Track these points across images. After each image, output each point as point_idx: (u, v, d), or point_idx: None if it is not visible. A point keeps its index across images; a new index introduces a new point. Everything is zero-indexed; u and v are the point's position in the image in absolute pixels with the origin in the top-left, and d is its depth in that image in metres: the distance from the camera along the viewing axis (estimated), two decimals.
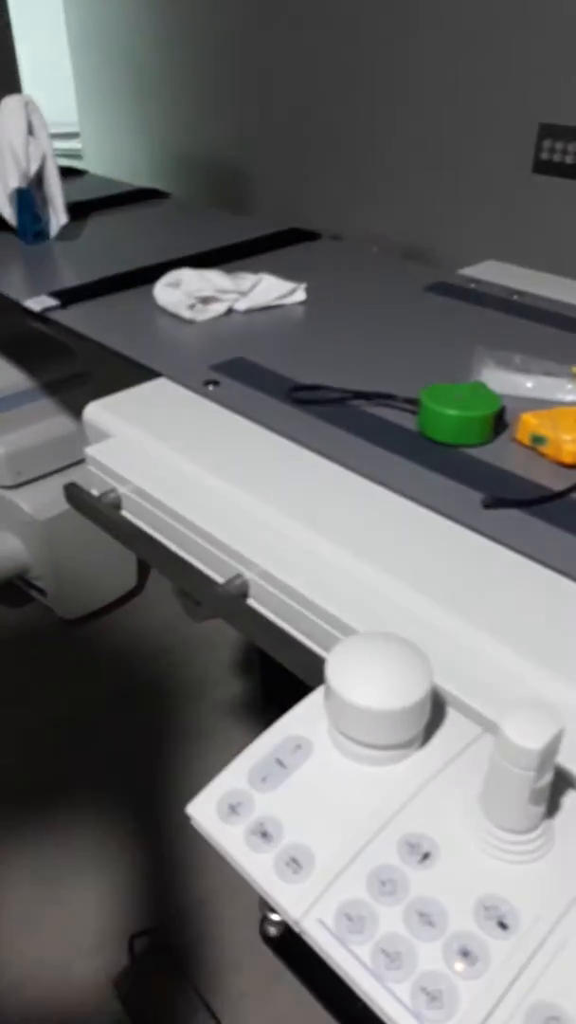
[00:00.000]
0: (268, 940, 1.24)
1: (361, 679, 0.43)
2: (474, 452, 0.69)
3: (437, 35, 2.32)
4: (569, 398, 0.74)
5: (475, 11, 2.21)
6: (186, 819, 0.44)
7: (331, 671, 0.44)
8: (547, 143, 2.27)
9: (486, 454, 0.69)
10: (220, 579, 0.64)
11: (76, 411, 0.80)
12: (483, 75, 2.26)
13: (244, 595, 0.64)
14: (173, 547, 0.70)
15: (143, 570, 1.78)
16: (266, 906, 0.44)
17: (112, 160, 3.34)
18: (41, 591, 1.64)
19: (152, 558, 0.71)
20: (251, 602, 0.64)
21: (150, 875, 1.29)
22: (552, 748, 0.37)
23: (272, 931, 1.24)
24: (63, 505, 0.77)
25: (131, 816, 1.36)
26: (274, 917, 0.42)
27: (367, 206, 2.73)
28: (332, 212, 2.80)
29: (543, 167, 2.32)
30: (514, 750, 0.37)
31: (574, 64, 2.08)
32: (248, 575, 0.63)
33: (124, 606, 1.75)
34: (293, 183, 2.90)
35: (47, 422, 1.50)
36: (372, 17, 2.45)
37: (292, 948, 1.25)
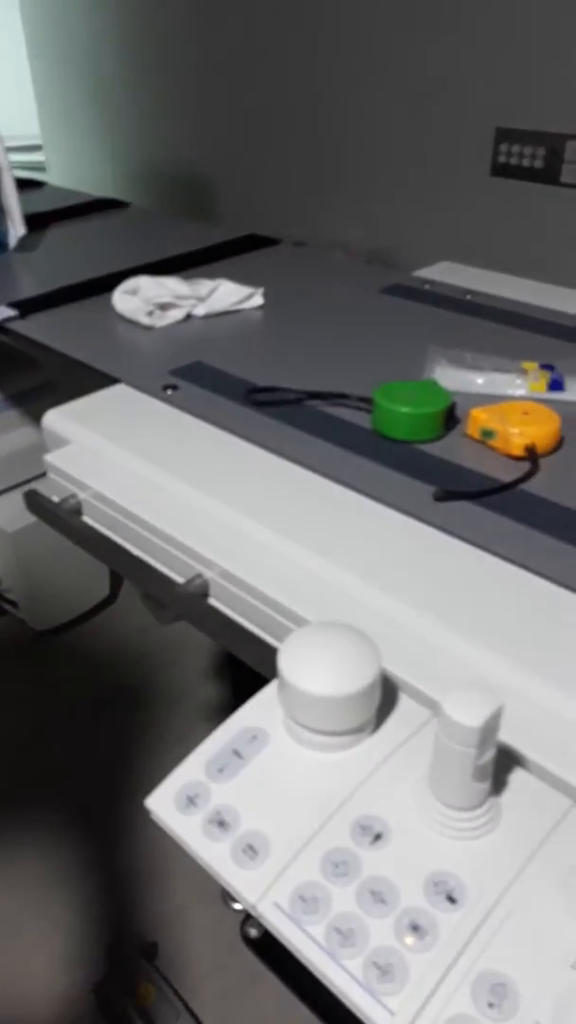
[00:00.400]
0: (248, 941, 1.24)
1: (312, 667, 0.44)
2: (426, 448, 0.71)
3: (395, 42, 2.35)
4: (518, 392, 0.76)
5: (431, 17, 2.24)
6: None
7: (283, 661, 0.45)
8: (504, 147, 2.31)
9: (438, 449, 0.71)
10: (180, 580, 0.65)
11: (41, 423, 0.81)
12: (441, 81, 2.29)
13: (204, 595, 0.65)
14: (134, 550, 0.71)
15: (115, 579, 1.78)
16: (228, 896, 0.45)
17: (76, 172, 3.34)
18: (12, 603, 1.63)
19: (114, 562, 0.72)
20: (212, 601, 0.65)
21: (129, 882, 1.29)
22: (492, 725, 0.38)
23: (253, 932, 1.25)
24: (31, 516, 0.78)
25: (109, 824, 1.37)
26: (236, 906, 0.43)
27: (331, 212, 2.75)
28: (297, 219, 2.82)
29: (501, 170, 2.36)
30: (455, 727, 0.38)
31: (529, 69, 2.12)
32: (208, 574, 0.64)
33: (97, 616, 1.75)
34: (258, 192, 2.92)
35: (12, 434, 1.50)
36: (331, 25, 2.48)
37: (273, 949, 1.26)
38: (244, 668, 0.62)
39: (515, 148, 2.29)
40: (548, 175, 2.28)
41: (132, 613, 1.76)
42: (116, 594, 1.78)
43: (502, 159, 2.33)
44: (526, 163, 2.31)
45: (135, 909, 1.25)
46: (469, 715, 0.38)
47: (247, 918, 1.23)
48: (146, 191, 3.14)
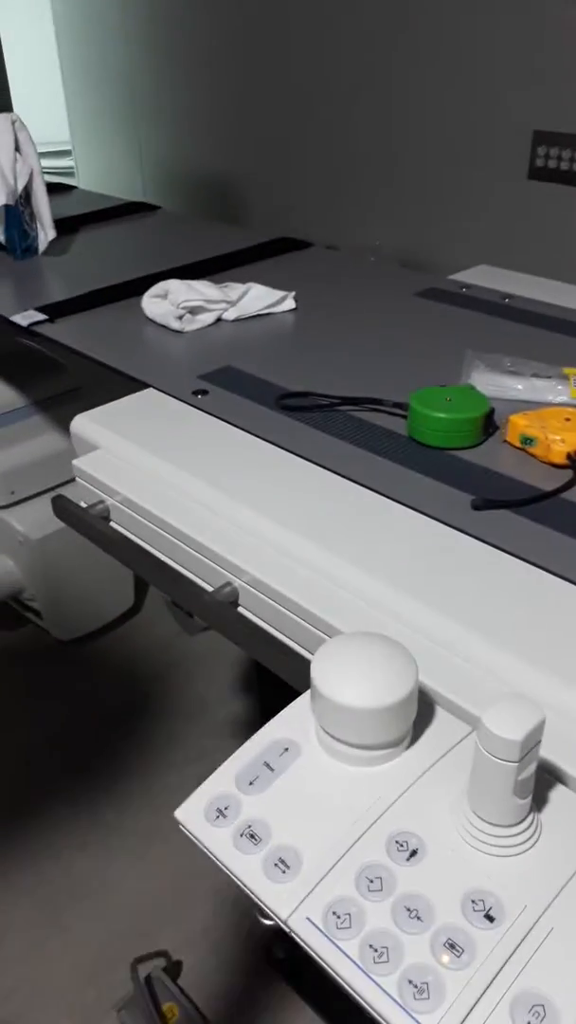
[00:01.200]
0: (273, 963, 1.22)
1: (346, 679, 0.43)
2: (464, 455, 0.69)
3: (430, 45, 2.33)
4: (559, 399, 0.74)
5: (467, 20, 2.23)
6: (189, 841, 0.43)
7: (316, 672, 0.44)
8: (542, 149, 2.28)
9: (476, 456, 0.69)
10: (210, 588, 0.64)
11: (69, 428, 0.80)
12: (477, 83, 2.28)
13: (234, 603, 0.64)
14: (162, 557, 0.69)
15: (140, 589, 1.77)
16: (259, 911, 0.43)
17: (105, 177, 3.36)
18: (36, 612, 1.63)
19: (142, 569, 0.71)
20: (241, 610, 0.64)
21: (153, 898, 1.27)
22: (533, 738, 0.36)
23: (279, 954, 1.22)
24: (57, 523, 0.77)
25: (132, 838, 1.35)
26: (267, 922, 0.41)
27: (365, 217, 2.74)
28: (329, 224, 2.81)
29: (538, 173, 2.32)
30: (495, 740, 0.36)
31: (567, 71, 2.09)
32: (237, 582, 0.63)
33: (122, 626, 1.74)
34: (290, 196, 2.92)
35: (39, 439, 1.50)
36: (364, 29, 2.47)
37: (299, 971, 1.24)
38: (272, 680, 0.60)
39: (553, 151, 2.27)
40: None
41: (157, 624, 1.74)
42: (141, 604, 1.77)
43: (540, 162, 2.31)
44: (564, 166, 2.28)
45: (159, 926, 1.24)
46: (510, 728, 0.36)
47: (273, 939, 1.21)
48: (175, 196, 3.15)
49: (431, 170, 2.50)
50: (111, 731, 1.53)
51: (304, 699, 0.48)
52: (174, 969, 1.18)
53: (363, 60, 2.53)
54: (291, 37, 2.62)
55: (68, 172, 3.34)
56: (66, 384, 1.53)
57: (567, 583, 0.55)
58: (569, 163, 2.29)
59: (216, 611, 0.62)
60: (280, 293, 1.01)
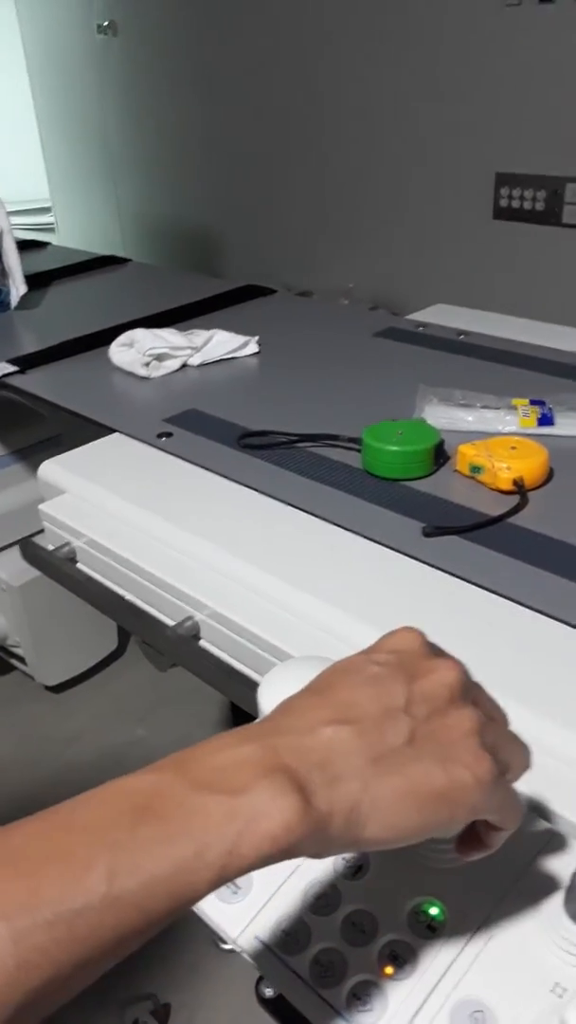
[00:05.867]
0: (263, 1002, 1.21)
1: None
2: (416, 485, 0.71)
3: (397, 91, 2.42)
4: (508, 429, 0.77)
5: (431, 68, 2.31)
6: None
7: (262, 696, 0.45)
8: (504, 190, 2.37)
9: (428, 486, 0.71)
10: (172, 623, 0.66)
11: None
12: (441, 129, 2.36)
13: (196, 637, 0.65)
14: (127, 595, 0.71)
15: (123, 630, 1.78)
16: (217, 937, 0.44)
17: (85, 232, 3.43)
18: (21, 659, 1.63)
19: (107, 608, 0.73)
20: (203, 643, 0.65)
21: None
22: None
23: (268, 992, 1.21)
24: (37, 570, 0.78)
25: None
26: (225, 946, 0.42)
27: (337, 261, 2.81)
28: (304, 269, 2.88)
29: (502, 213, 2.41)
30: None
31: (525, 115, 2.17)
32: (198, 616, 0.64)
33: (106, 668, 1.74)
34: (265, 244, 2.99)
35: (19, 487, 1.52)
36: (333, 79, 2.56)
37: (289, 1009, 1.23)
38: (244, 713, 0.61)
39: (515, 191, 2.35)
40: (549, 217, 2.33)
41: (141, 664, 1.75)
42: (125, 646, 1.78)
43: (503, 202, 2.39)
44: (527, 205, 2.36)
45: (146, 967, 1.22)
46: None
47: (261, 977, 1.20)
48: (155, 248, 3.22)
49: (400, 214, 2.57)
50: (98, 772, 1.52)
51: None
52: (162, 1012, 1.16)
53: (333, 109, 2.61)
54: (261, 88, 2.70)
55: (48, 228, 3.41)
56: (45, 432, 1.55)
57: (514, 604, 0.56)
58: (532, 202, 2.36)
59: (178, 645, 0.64)
60: (243, 338, 1.04)
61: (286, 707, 0.34)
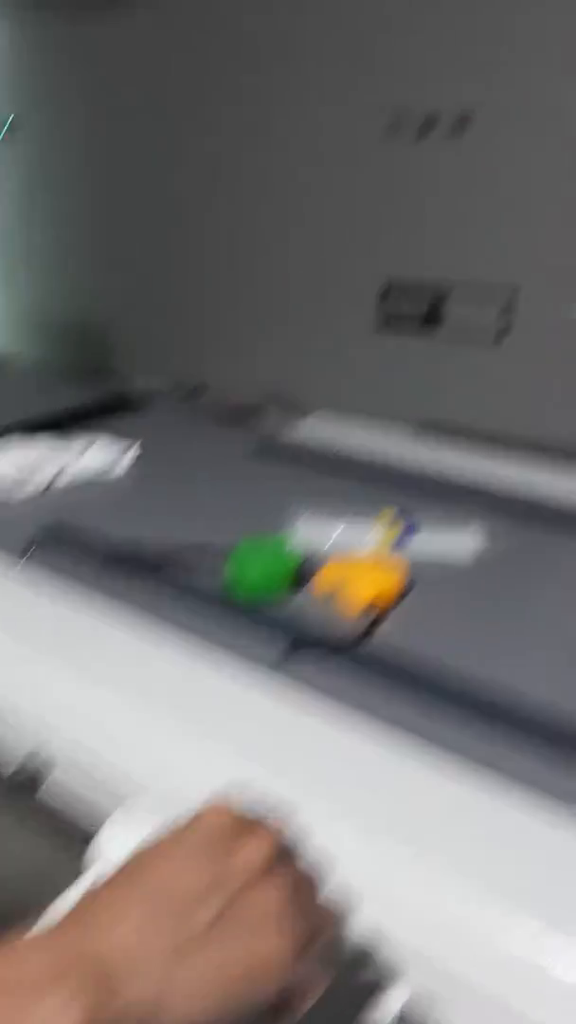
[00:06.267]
0: None
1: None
2: (277, 607, 0.71)
3: (284, 197, 2.54)
4: (371, 545, 0.78)
5: (317, 175, 2.44)
6: None
7: (100, 845, 0.43)
8: (389, 297, 2.49)
9: (289, 608, 0.71)
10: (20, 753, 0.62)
11: None
12: (327, 238, 2.47)
13: (39, 780, 0.62)
14: None
15: None
16: None
17: None
18: None
19: None
20: (54, 778, 0.62)
21: None
22: None
23: None
24: None
25: None
26: None
27: (226, 363, 2.86)
28: (197, 366, 2.92)
29: (387, 320, 2.52)
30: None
31: (411, 225, 2.30)
32: (45, 755, 0.61)
33: None
34: (155, 342, 3.03)
35: None
36: (221, 179, 2.66)
37: None
38: None
39: (400, 298, 2.47)
40: (432, 322, 2.45)
41: None
42: None
43: (388, 311, 2.51)
44: (410, 312, 2.48)
45: None
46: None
47: None
48: (41, 346, 3.22)
49: (286, 318, 2.66)
50: None
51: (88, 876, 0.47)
52: None
53: (222, 209, 2.71)
54: (151, 188, 2.80)
55: None
56: None
57: (368, 728, 0.56)
58: (415, 308, 2.48)
59: (16, 789, 0.60)
60: (120, 448, 1.04)
61: (93, 899, 0.34)
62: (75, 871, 0.45)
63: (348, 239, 2.44)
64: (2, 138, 2.65)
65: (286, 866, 0.35)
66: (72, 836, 0.58)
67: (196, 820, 0.37)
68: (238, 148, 2.56)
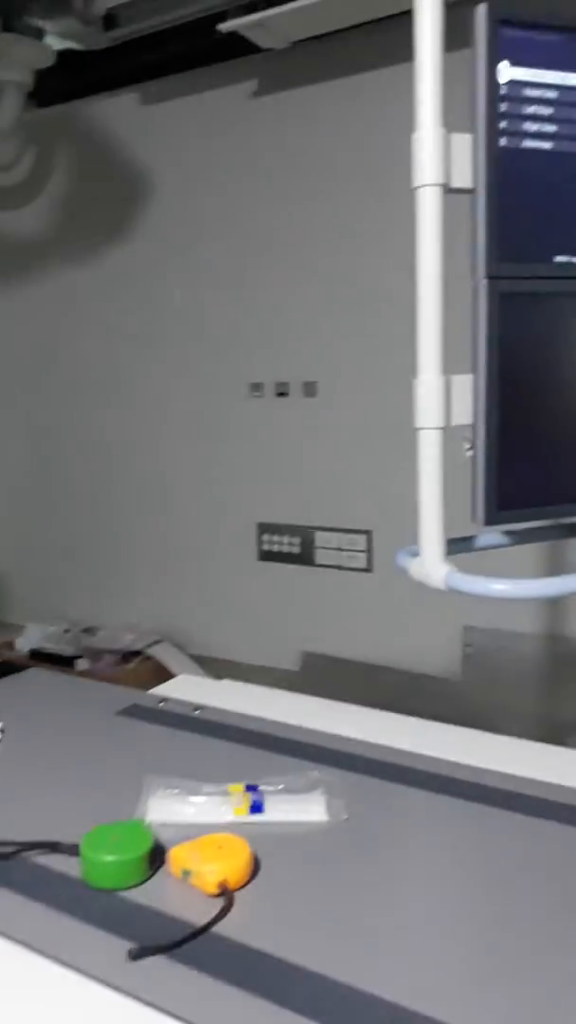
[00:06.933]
0: None
1: None
2: (132, 894, 0.72)
3: (167, 456, 2.74)
4: (224, 819, 0.81)
5: (203, 437, 2.66)
6: None
7: None
8: (266, 536, 2.66)
9: (144, 893, 0.72)
10: None
11: None
12: (210, 484, 2.68)
13: None
14: None
15: None
16: None
17: None
18: None
19: None
20: None
21: None
22: None
23: None
24: None
25: None
26: None
27: (123, 598, 2.94)
28: (91, 606, 2.99)
29: (265, 556, 2.69)
30: None
31: (282, 477, 2.51)
32: None
33: None
34: (49, 581, 3.08)
35: None
36: (108, 449, 2.85)
37: None
38: None
39: (275, 537, 2.65)
40: (305, 558, 2.62)
41: None
42: None
43: (265, 546, 2.68)
44: (285, 548, 2.66)
45: None
46: None
47: None
48: None
49: (179, 556, 2.81)
50: None
51: None
52: None
53: (112, 469, 2.89)
54: (48, 429, 2.96)
55: None
56: None
57: None
58: (290, 546, 2.65)
59: None
60: None
61: None
62: None
63: (225, 486, 2.64)
64: None
65: None
66: None
67: None
68: (131, 412, 2.77)
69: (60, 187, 2.76)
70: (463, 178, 0.86)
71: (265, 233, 2.39)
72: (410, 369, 0.92)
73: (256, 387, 2.52)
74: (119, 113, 2.60)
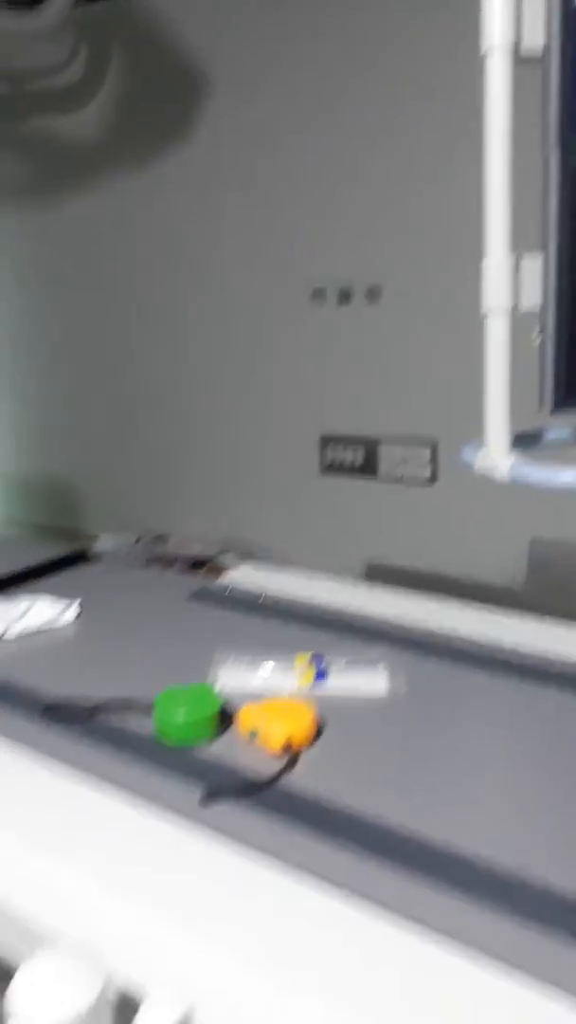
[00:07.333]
0: None
1: (34, 1000, 0.46)
2: (201, 749, 0.76)
3: (236, 362, 2.75)
4: (290, 687, 0.84)
5: (265, 342, 2.65)
6: None
7: (9, 997, 0.47)
8: (329, 449, 2.66)
9: (212, 749, 0.76)
10: None
11: None
12: (273, 396, 2.67)
13: None
14: None
15: None
16: None
17: None
18: None
19: None
20: None
21: None
22: None
23: None
24: None
25: None
26: None
27: (187, 510, 3.00)
28: (160, 517, 3.05)
29: (328, 469, 2.70)
30: None
31: (345, 388, 2.49)
32: None
33: None
34: (121, 494, 3.15)
35: None
36: (175, 360, 2.87)
37: None
38: None
39: (338, 449, 2.65)
40: (368, 470, 2.62)
41: None
42: None
43: (328, 459, 2.68)
44: (349, 462, 2.66)
45: None
46: None
47: None
48: (13, 497, 3.32)
49: (244, 469, 2.83)
50: None
51: None
52: None
53: (182, 374, 2.91)
54: (113, 351, 2.98)
55: None
56: None
57: (274, 865, 0.61)
58: (353, 458, 2.65)
59: None
60: (62, 605, 1.10)
61: None
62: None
63: (289, 397, 2.63)
64: None
65: None
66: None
67: None
68: (192, 326, 2.77)
69: (114, 88, 2.70)
70: (535, 39, 0.82)
71: (327, 129, 2.31)
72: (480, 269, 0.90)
73: (318, 293, 2.48)
74: (174, 6, 2.51)
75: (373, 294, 2.34)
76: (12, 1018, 0.47)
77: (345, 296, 2.38)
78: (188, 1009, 0.41)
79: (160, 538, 3.03)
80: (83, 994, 0.45)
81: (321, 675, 0.85)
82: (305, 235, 2.42)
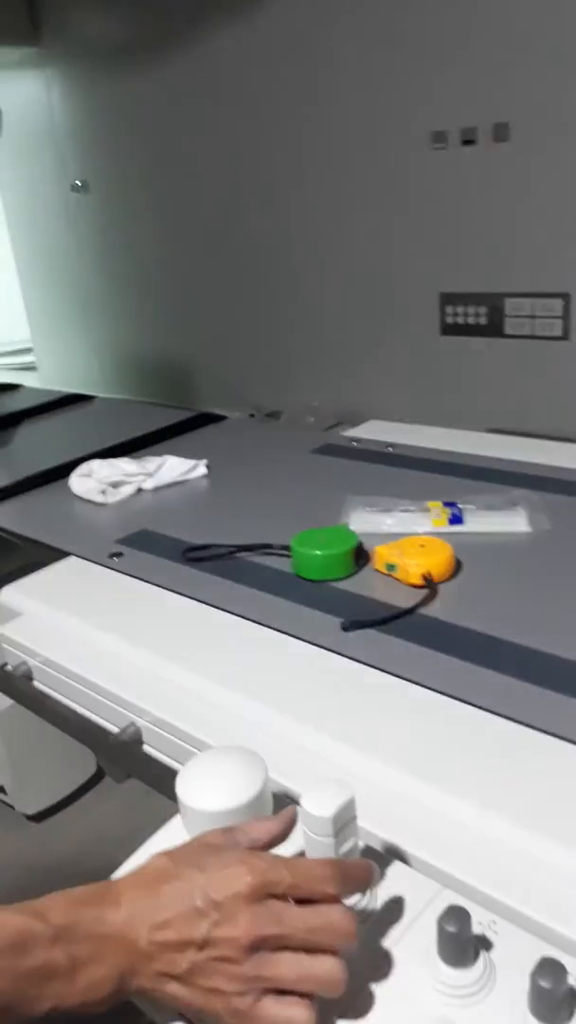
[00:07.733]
0: None
1: (203, 787, 0.49)
2: (339, 584, 0.77)
3: (351, 222, 2.63)
4: (422, 529, 0.83)
5: (380, 200, 2.52)
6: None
7: (179, 786, 0.50)
8: (449, 308, 2.54)
9: (350, 585, 0.77)
10: (115, 729, 0.70)
11: None
12: (391, 255, 2.55)
13: (139, 742, 0.70)
14: (79, 708, 0.76)
15: None
16: None
17: (64, 369, 3.60)
18: (1, 789, 1.64)
19: (58, 722, 0.77)
20: (147, 748, 0.69)
21: None
22: (345, 815, 0.43)
23: None
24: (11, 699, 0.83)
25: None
26: None
27: (303, 382, 2.95)
28: (272, 391, 3.02)
29: (449, 329, 2.58)
30: (312, 820, 0.42)
31: (468, 240, 2.36)
32: (140, 722, 0.69)
33: (86, 794, 1.74)
34: (233, 370, 3.14)
35: None
36: (293, 212, 2.77)
37: None
38: None
39: (459, 309, 2.53)
40: (492, 330, 2.49)
41: (120, 788, 1.75)
42: (103, 772, 1.78)
43: (449, 319, 2.57)
44: (471, 321, 2.53)
45: None
46: (323, 807, 0.42)
47: None
48: (131, 381, 3.37)
49: (358, 336, 2.74)
50: None
51: (176, 819, 0.54)
52: None
53: (289, 245, 2.81)
54: (221, 232, 2.92)
55: (31, 367, 3.58)
56: (21, 560, 1.61)
57: (422, 688, 0.62)
58: (476, 317, 2.53)
59: (120, 751, 0.68)
60: (192, 462, 1.13)
61: (160, 876, 0.44)
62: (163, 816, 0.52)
63: (406, 251, 2.51)
64: (79, 193, 2.80)
65: (275, 940, 0.39)
66: (162, 785, 0.66)
67: (236, 863, 0.41)
68: (299, 179, 2.66)
69: None
70: None
71: None
72: None
73: (439, 136, 2.32)
74: None
75: (500, 133, 2.17)
76: (182, 807, 0.50)
77: (469, 138, 2.22)
78: (351, 796, 0.42)
79: (273, 414, 3.04)
80: (248, 785, 0.48)
81: (456, 518, 0.84)
82: (423, 72, 2.25)
